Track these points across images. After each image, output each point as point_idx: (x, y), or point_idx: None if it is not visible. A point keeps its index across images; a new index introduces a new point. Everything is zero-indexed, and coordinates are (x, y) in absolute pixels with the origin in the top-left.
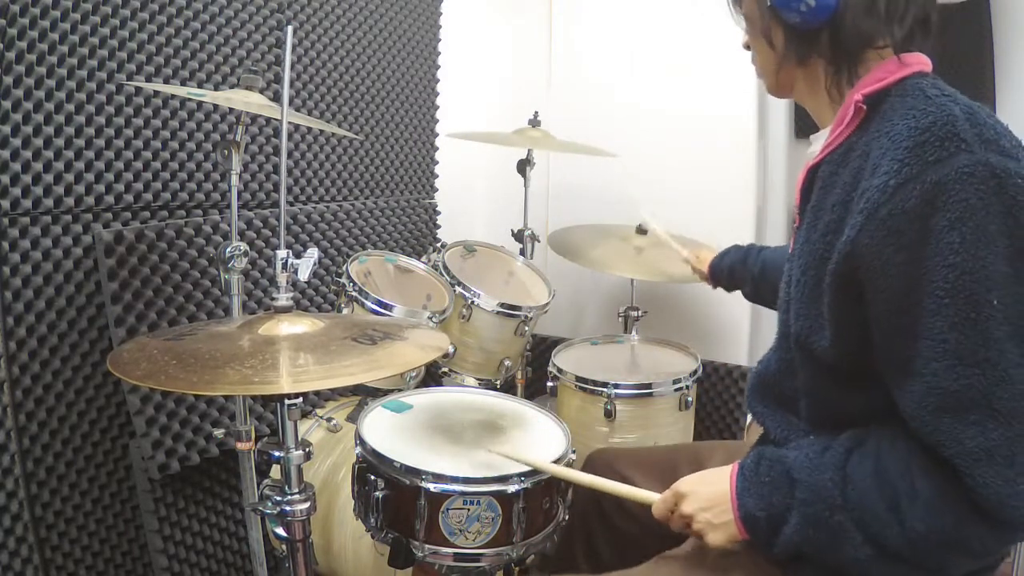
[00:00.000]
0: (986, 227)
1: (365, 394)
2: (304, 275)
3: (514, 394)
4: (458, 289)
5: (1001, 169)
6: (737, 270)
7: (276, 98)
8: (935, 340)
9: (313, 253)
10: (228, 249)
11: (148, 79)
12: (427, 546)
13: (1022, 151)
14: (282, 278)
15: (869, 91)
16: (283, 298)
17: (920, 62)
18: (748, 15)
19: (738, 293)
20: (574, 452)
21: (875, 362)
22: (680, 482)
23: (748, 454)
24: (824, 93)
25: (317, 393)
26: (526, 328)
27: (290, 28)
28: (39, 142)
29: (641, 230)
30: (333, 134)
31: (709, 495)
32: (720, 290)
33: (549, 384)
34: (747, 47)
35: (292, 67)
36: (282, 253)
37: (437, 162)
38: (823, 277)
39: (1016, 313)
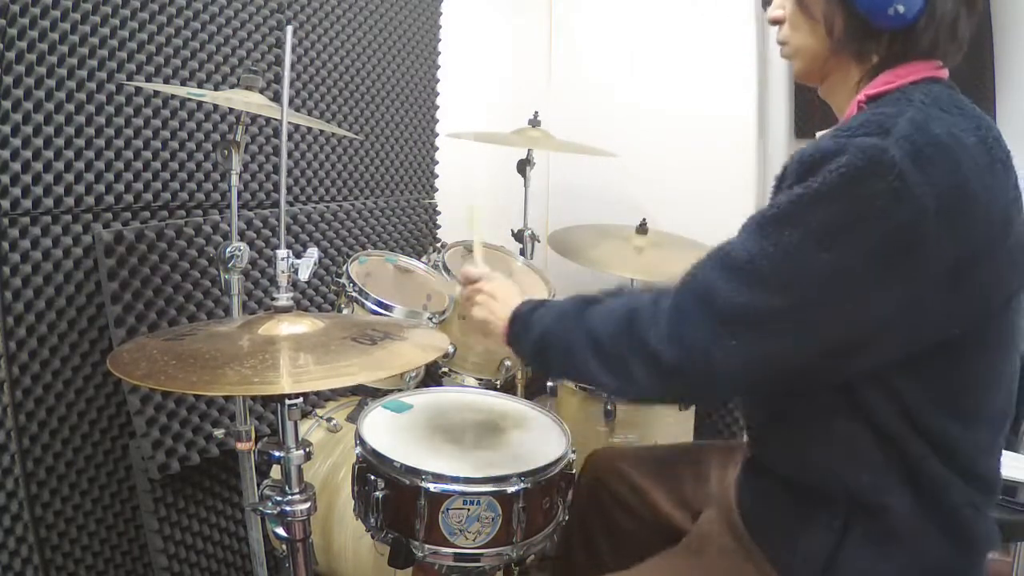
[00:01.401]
0: (835, 187)
1: (365, 394)
2: (304, 275)
3: (514, 394)
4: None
5: (888, 161)
6: None
7: (276, 98)
8: (741, 225)
9: (313, 253)
10: (228, 249)
11: (148, 79)
12: (427, 546)
13: (951, 172)
14: (282, 278)
15: (874, 92)
16: (283, 298)
17: (934, 68)
18: None
19: None
20: (574, 452)
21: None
22: (498, 277)
23: None
24: (854, 89)
25: (317, 393)
26: None
27: (290, 28)
28: (39, 142)
29: (642, 229)
30: (333, 134)
31: (506, 295)
32: None
33: (549, 384)
34: (776, 22)
35: (292, 67)
36: (282, 253)
37: (437, 162)
38: None
39: (794, 261)
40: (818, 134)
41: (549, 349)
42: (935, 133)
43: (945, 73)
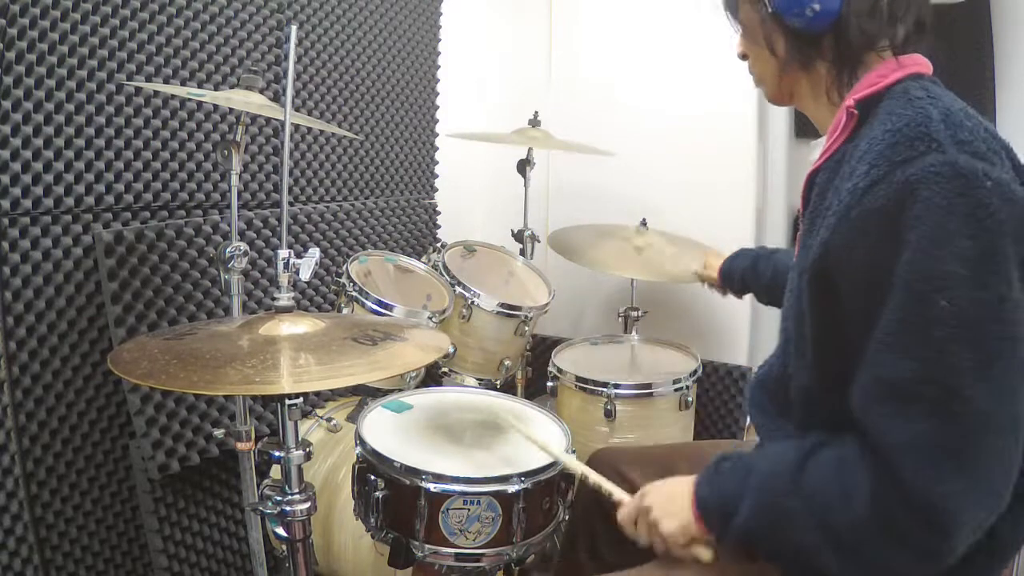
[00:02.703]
0: (945, 226)
1: (365, 394)
2: (305, 275)
3: (514, 394)
4: (458, 289)
5: (969, 170)
6: (748, 277)
7: (276, 98)
8: (884, 332)
9: (314, 253)
10: (228, 249)
11: (148, 79)
12: (427, 546)
13: (999, 156)
14: (283, 278)
15: (861, 96)
16: (284, 298)
17: (917, 63)
18: (746, 23)
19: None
20: (574, 452)
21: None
22: (647, 485)
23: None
24: (825, 98)
25: (317, 393)
26: (526, 328)
27: (293, 28)
28: (39, 142)
29: (642, 229)
30: (333, 134)
31: (670, 490)
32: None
33: (549, 384)
34: (743, 56)
35: (292, 67)
36: (284, 253)
37: (437, 162)
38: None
39: (970, 317)
40: (813, 143)
41: (761, 540)
42: (968, 125)
43: (928, 68)
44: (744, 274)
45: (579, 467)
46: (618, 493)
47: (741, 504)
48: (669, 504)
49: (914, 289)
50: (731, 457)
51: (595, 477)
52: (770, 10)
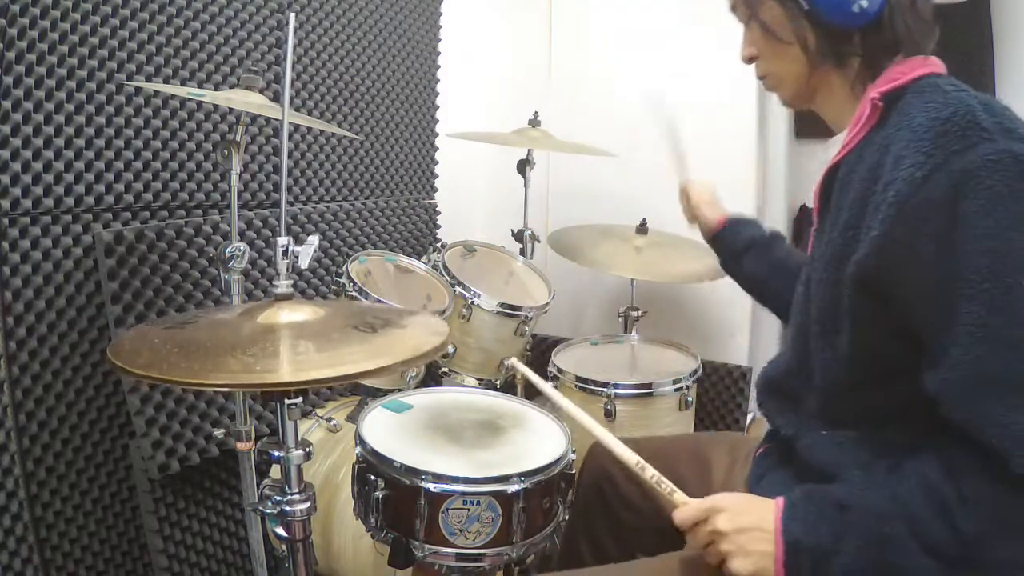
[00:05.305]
0: (1015, 211)
1: (365, 394)
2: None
3: (514, 394)
4: (458, 289)
5: (1023, 155)
6: (759, 246)
7: (276, 98)
8: (974, 325)
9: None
10: (228, 249)
11: (148, 79)
12: (427, 546)
13: None
14: (282, 265)
15: (886, 89)
16: (283, 285)
17: (936, 64)
18: (770, 22)
19: (739, 293)
20: (574, 452)
21: (894, 359)
22: (720, 496)
23: (796, 490)
24: (850, 91)
25: (317, 393)
26: (526, 328)
27: (292, 16)
28: (39, 142)
29: (642, 229)
30: (333, 134)
31: (750, 517)
32: (719, 290)
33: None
34: (751, 60)
35: (292, 66)
36: (283, 240)
37: (437, 162)
38: (843, 274)
39: None
40: (829, 141)
41: None
42: (1008, 114)
43: (944, 69)
44: (754, 242)
45: (633, 457)
46: (679, 494)
47: (841, 547)
48: (745, 540)
49: (1000, 275)
50: (815, 492)
51: (651, 471)
52: (806, 7)
